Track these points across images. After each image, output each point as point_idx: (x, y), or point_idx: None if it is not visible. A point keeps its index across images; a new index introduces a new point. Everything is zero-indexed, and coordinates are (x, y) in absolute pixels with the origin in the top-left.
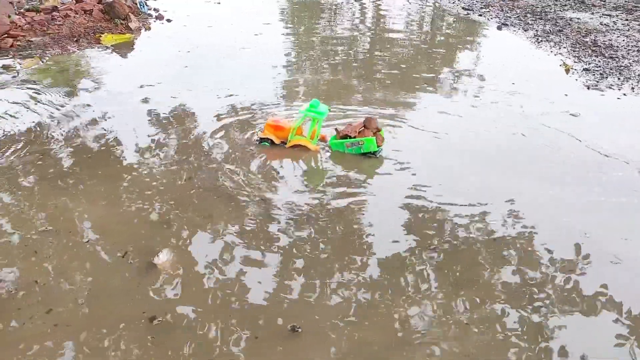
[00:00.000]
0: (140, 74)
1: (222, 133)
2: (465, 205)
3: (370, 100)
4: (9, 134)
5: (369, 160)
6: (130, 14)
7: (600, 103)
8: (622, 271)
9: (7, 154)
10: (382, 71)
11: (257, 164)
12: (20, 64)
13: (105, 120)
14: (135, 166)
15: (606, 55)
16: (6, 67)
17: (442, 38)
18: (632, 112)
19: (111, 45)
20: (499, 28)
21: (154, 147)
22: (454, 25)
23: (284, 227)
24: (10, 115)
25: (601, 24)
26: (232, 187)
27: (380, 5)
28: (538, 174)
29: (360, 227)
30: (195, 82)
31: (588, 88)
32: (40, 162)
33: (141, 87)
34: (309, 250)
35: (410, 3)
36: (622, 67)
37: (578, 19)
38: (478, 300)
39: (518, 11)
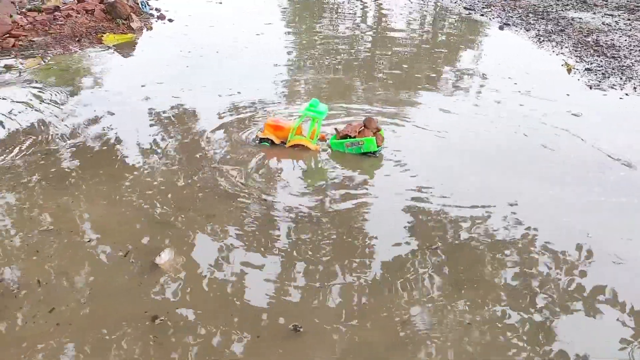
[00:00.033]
0: (142, 73)
1: (223, 133)
2: (466, 205)
3: (371, 100)
4: (11, 133)
5: (369, 160)
6: (132, 13)
7: (603, 103)
8: (624, 271)
9: (10, 153)
10: (384, 71)
11: (258, 164)
12: (22, 64)
13: (107, 120)
14: (137, 166)
15: (608, 55)
16: (8, 67)
17: (444, 38)
18: (634, 112)
19: (113, 45)
20: (501, 28)
21: (155, 147)
22: (455, 24)
23: (284, 227)
24: (13, 115)
25: (603, 23)
26: (233, 187)
27: (381, 4)
28: (538, 174)
29: (361, 227)
30: (196, 81)
31: (590, 88)
32: (42, 162)
33: (142, 86)
34: (309, 250)
35: (411, 2)
36: (624, 67)
37: (580, 18)
38: (479, 300)
39: (520, 11)
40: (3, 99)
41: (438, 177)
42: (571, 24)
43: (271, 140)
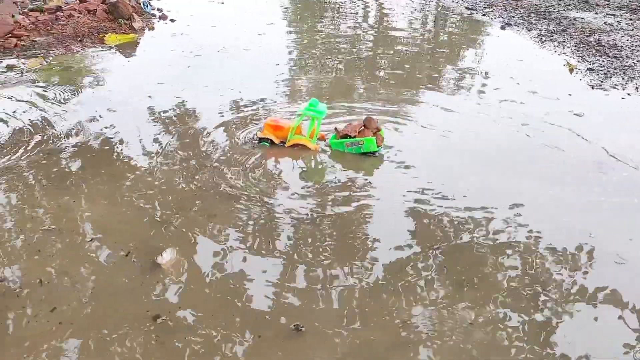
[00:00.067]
0: (144, 73)
1: (224, 132)
2: (467, 205)
3: (373, 99)
4: (13, 133)
5: (370, 159)
6: (134, 13)
7: (605, 103)
8: (626, 271)
9: (12, 153)
10: (386, 70)
11: (258, 164)
12: (24, 64)
13: (108, 119)
14: (138, 165)
15: (610, 55)
16: (10, 67)
17: (446, 37)
18: (636, 112)
19: (115, 45)
20: (503, 28)
21: (156, 147)
22: (457, 24)
23: (285, 227)
24: (15, 115)
25: (605, 23)
26: (234, 187)
27: (382, 4)
28: (539, 174)
29: (362, 228)
30: (197, 81)
31: (592, 88)
32: (44, 162)
33: (144, 86)
34: (310, 250)
35: (413, 2)
36: (626, 67)
37: (582, 18)
38: (480, 301)
39: (522, 11)
40: (5, 99)
41: (439, 177)
42: (573, 23)
43: (271, 140)
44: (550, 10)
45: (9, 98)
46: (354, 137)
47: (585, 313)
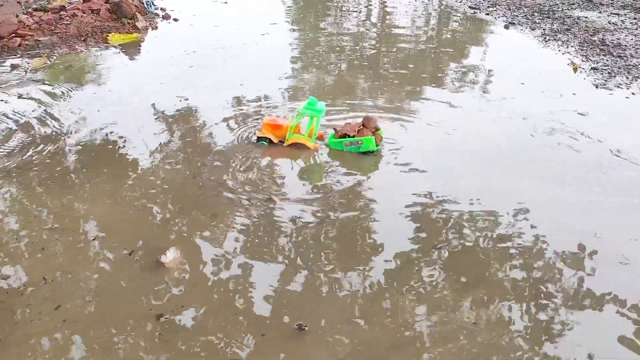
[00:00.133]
0: (147, 73)
1: (227, 132)
2: (468, 205)
3: (376, 98)
4: (17, 132)
5: (370, 158)
6: (137, 13)
7: (609, 102)
8: (630, 272)
9: (15, 152)
10: (389, 70)
11: (259, 163)
12: (28, 63)
13: (111, 119)
14: (140, 165)
15: (614, 54)
16: (14, 66)
17: (449, 37)
18: None
19: (118, 45)
20: (506, 27)
21: (158, 146)
22: (460, 24)
23: (287, 226)
24: (18, 115)
25: (609, 22)
26: (235, 187)
27: (385, 2)
28: (539, 174)
29: (364, 227)
30: (200, 81)
31: (596, 87)
32: (48, 161)
33: (147, 86)
34: (312, 249)
35: (416, 1)
36: (630, 66)
37: (586, 17)
38: (483, 300)
39: (525, 10)
40: (9, 98)
41: (439, 176)
42: (577, 23)
43: (269, 139)
44: (554, 9)
45: (14, 97)
46: (353, 136)
47: (589, 313)
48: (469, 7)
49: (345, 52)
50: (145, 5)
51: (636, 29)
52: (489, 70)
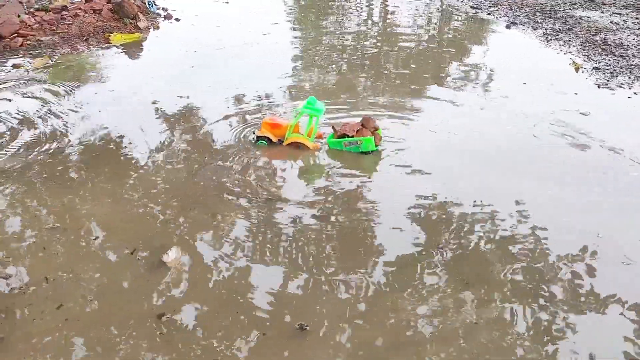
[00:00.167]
0: (148, 73)
1: (227, 131)
2: (469, 205)
3: (377, 98)
4: (18, 132)
5: (370, 158)
6: (139, 13)
7: (611, 102)
8: (632, 272)
9: (16, 152)
10: (390, 70)
11: (259, 163)
12: (30, 63)
13: (112, 118)
14: (141, 164)
15: (616, 53)
16: (16, 66)
17: (450, 36)
18: None
19: (120, 45)
20: (508, 27)
21: (160, 146)
22: (462, 23)
23: (287, 226)
24: (19, 114)
25: (611, 22)
26: (236, 186)
27: (387, 2)
28: (538, 174)
29: (365, 226)
30: (202, 81)
31: (598, 87)
32: (49, 160)
33: (148, 86)
34: (313, 249)
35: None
36: (632, 66)
37: (588, 17)
38: (484, 300)
39: (527, 10)
40: (10, 98)
41: (439, 176)
42: (579, 22)
43: (268, 139)
44: (555, 9)
45: (16, 96)
46: (352, 136)
47: (591, 313)
48: (471, 6)
49: (346, 52)
50: (147, 5)
51: (638, 28)
52: (491, 70)
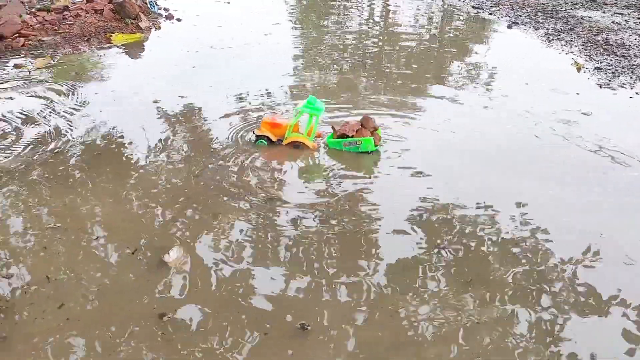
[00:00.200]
0: (149, 73)
1: (228, 131)
2: (469, 205)
3: (378, 99)
4: (20, 132)
5: (370, 158)
6: (140, 13)
7: (612, 102)
8: (634, 272)
9: (18, 152)
10: (392, 70)
11: (259, 163)
12: (31, 63)
13: (113, 118)
14: (142, 164)
15: (618, 53)
16: (18, 66)
17: (452, 36)
18: None
19: (121, 45)
20: (510, 27)
21: (161, 146)
22: (463, 23)
23: (288, 226)
24: (20, 114)
25: (613, 22)
26: (236, 186)
27: (388, 2)
28: (539, 174)
29: (366, 227)
30: (203, 81)
31: (600, 87)
32: (51, 160)
33: (150, 86)
34: (315, 249)
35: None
36: (634, 66)
37: (589, 17)
38: (485, 300)
39: (529, 10)
40: (11, 97)
41: (440, 176)
42: (580, 22)
43: (268, 138)
44: (557, 9)
45: (17, 96)
46: (352, 136)
47: (593, 313)
48: (472, 6)
49: (348, 51)
50: (149, 6)
51: None
52: (492, 70)
